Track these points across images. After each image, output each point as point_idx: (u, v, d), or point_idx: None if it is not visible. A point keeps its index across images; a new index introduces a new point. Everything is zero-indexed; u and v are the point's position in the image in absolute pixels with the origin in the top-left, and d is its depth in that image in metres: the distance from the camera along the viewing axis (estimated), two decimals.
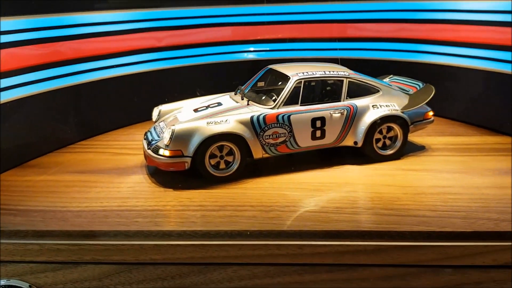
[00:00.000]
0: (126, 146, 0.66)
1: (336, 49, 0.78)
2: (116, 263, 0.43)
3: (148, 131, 0.57)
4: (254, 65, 0.76)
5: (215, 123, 0.52)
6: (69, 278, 0.43)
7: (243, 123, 0.52)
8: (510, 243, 0.40)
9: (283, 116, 0.53)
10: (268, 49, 0.79)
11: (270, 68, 0.61)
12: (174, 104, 0.61)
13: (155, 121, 0.60)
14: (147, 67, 0.76)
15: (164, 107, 0.60)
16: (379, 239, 0.41)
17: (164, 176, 0.54)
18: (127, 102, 0.75)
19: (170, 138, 0.51)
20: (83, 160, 0.61)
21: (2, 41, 0.57)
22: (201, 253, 0.42)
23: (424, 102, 0.59)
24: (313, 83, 0.57)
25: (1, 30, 0.57)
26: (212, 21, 0.78)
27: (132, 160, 0.61)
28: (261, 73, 0.62)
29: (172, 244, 0.42)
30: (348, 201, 0.48)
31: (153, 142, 0.54)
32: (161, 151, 0.51)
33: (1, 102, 0.56)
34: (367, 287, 0.42)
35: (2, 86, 0.57)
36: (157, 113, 0.60)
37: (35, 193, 0.52)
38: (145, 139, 0.56)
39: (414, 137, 0.64)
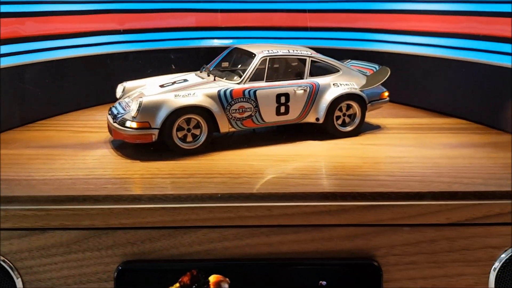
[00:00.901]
0: (87, 125, 0.66)
1: (297, 38, 0.81)
2: (84, 228, 0.43)
3: (113, 106, 0.57)
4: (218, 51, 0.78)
5: (183, 96, 0.52)
6: (35, 245, 0.43)
7: (210, 96, 0.53)
8: (462, 202, 0.44)
9: (249, 91, 0.55)
10: (229, 36, 0.81)
11: (236, 47, 0.62)
12: (139, 81, 0.61)
13: (119, 98, 0.60)
14: (108, 49, 0.75)
15: (128, 84, 0.61)
16: (342, 200, 0.44)
17: (131, 149, 0.55)
18: (87, 83, 0.74)
19: (137, 110, 0.51)
20: (44, 136, 0.61)
21: None
22: (172, 217, 0.43)
23: (380, 82, 0.63)
24: (277, 62, 0.59)
25: None
26: (176, 7, 0.78)
27: (94, 137, 0.60)
28: (225, 52, 0.63)
29: (142, 208, 0.43)
30: (312, 169, 0.50)
31: (119, 115, 0.54)
32: (128, 123, 0.52)
33: None
34: (331, 246, 0.44)
35: None
36: (122, 90, 0.60)
37: (12, 161, 0.51)
38: (109, 114, 0.56)
39: (371, 119, 0.68)
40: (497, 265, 0.45)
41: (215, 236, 0.43)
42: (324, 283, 0.44)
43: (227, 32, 0.81)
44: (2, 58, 0.61)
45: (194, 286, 0.42)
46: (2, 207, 0.42)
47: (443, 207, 0.44)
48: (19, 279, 0.44)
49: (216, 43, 0.81)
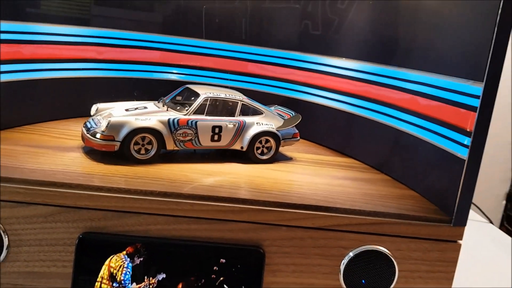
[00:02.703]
0: (64, 133, 0.83)
1: (234, 80, 1.02)
2: (58, 205, 0.60)
3: (87, 121, 0.75)
4: (173, 84, 0.97)
5: (141, 119, 0.71)
6: (21, 215, 0.60)
7: (162, 122, 0.72)
8: (323, 213, 0.63)
9: (192, 122, 0.74)
10: (186, 73, 1.01)
11: (187, 87, 0.82)
12: (109, 104, 0.79)
13: (93, 115, 0.78)
14: (85, 73, 0.94)
15: (100, 105, 0.79)
16: (242, 204, 0.62)
17: (97, 155, 0.72)
18: (65, 100, 0.92)
19: (106, 126, 0.69)
20: (30, 138, 0.77)
21: None
22: (122, 204, 0.61)
23: (293, 125, 0.83)
24: (216, 101, 0.79)
25: None
26: (144, 45, 0.98)
27: (69, 143, 0.77)
28: (179, 89, 0.83)
29: (101, 195, 0.60)
30: (229, 182, 0.69)
31: (92, 128, 0.72)
32: (98, 135, 0.70)
33: None
34: (231, 235, 0.63)
35: None
36: (95, 109, 0.78)
37: (2, 154, 0.67)
38: (84, 127, 0.74)
39: (288, 152, 0.88)
40: (345, 260, 0.65)
41: (151, 220, 0.61)
42: (223, 260, 0.62)
43: (182, 69, 1.01)
44: (7, 74, 0.79)
45: (136, 256, 0.60)
46: (2, 184, 0.59)
47: (311, 216, 0.63)
48: (6, 238, 0.60)
49: (172, 76, 1.01)
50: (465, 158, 0.63)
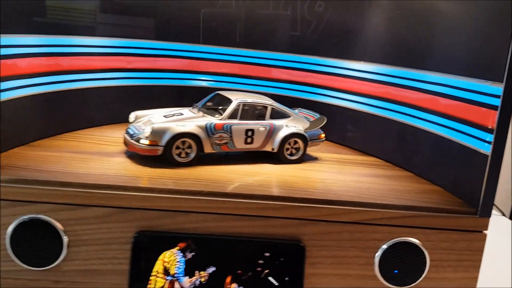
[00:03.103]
0: (102, 139, 0.87)
1: (259, 85, 1.07)
2: (114, 207, 0.64)
3: (129, 128, 0.80)
4: (201, 90, 1.02)
5: (182, 125, 0.76)
6: (80, 216, 0.64)
7: (200, 127, 0.77)
8: (358, 208, 0.68)
9: (227, 126, 0.79)
10: (214, 79, 1.06)
11: (218, 93, 0.87)
12: (146, 111, 0.84)
13: (131, 122, 0.82)
14: (118, 82, 0.98)
15: (139, 113, 0.83)
16: (283, 201, 0.67)
17: (140, 159, 0.77)
18: (98, 108, 0.96)
19: (150, 132, 0.74)
20: (72, 145, 0.82)
21: (20, 52, 0.77)
22: (172, 203, 0.65)
23: (319, 127, 0.88)
24: (247, 106, 0.83)
25: (20, 44, 0.77)
26: (173, 54, 1.03)
27: (110, 148, 0.82)
28: (210, 96, 0.87)
29: (153, 196, 0.65)
30: (267, 181, 0.74)
31: (135, 135, 0.76)
32: (142, 141, 0.74)
33: (15, 97, 0.76)
34: (274, 231, 0.67)
35: (18, 85, 0.76)
36: (134, 116, 0.83)
37: (49, 162, 0.71)
38: (126, 133, 0.79)
39: (313, 152, 0.92)
40: (380, 251, 0.70)
41: (200, 218, 0.66)
42: (267, 254, 0.67)
43: (210, 75, 1.06)
44: (46, 86, 0.83)
45: (187, 251, 0.65)
46: (60, 188, 0.63)
47: (347, 211, 0.68)
48: (66, 238, 0.65)
49: (202, 83, 1.06)
50: (488, 154, 0.67)
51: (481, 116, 0.70)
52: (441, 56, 0.81)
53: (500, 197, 1.60)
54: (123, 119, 0.87)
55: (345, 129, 1.01)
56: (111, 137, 0.88)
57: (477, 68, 0.72)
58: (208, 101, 0.87)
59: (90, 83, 0.93)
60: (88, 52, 0.92)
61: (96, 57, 0.93)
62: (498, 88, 0.67)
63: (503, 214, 1.23)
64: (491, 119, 0.68)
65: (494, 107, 0.67)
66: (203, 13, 1.02)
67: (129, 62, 0.99)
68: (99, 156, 0.76)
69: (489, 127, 0.68)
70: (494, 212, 1.25)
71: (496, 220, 1.16)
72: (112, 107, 0.97)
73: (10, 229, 0.63)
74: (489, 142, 0.68)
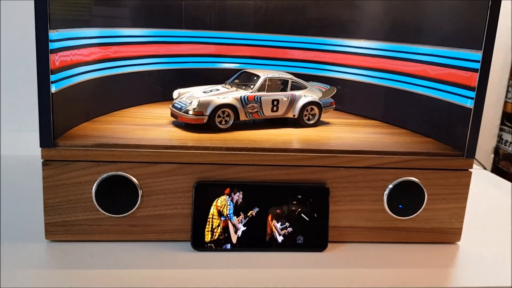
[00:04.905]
0: (150, 115, 1.03)
1: (277, 65, 1.23)
2: (178, 163, 0.80)
3: (175, 103, 0.96)
4: (229, 72, 1.18)
5: (222, 98, 0.92)
6: (151, 171, 0.79)
7: (236, 99, 0.93)
8: (370, 156, 0.85)
9: (257, 97, 0.95)
10: (238, 62, 1.23)
11: (245, 71, 1.03)
12: (187, 89, 1.00)
13: (176, 98, 0.98)
14: (156, 67, 1.14)
15: (181, 90, 0.99)
16: (309, 152, 0.84)
17: (188, 127, 0.93)
18: (139, 89, 1.12)
19: (197, 104, 0.90)
20: (128, 120, 0.97)
21: (81, 43, 0.92)
22: (223, 158, 0.81)
23: (330, 96, 1.05)
24: (272, 80, 1.00)
25: (80, 36, 0.92)
26: (202, 40, 1.19)
27: (160, 121, 0.97)
28: (237, 74, 1.04)
29: (208, 153, 0.81)
30: (293, 139, 0.90)
31: (183, 107, 0.93)
32: (190, 112, 0.91)
33: (79, 82, 0.91)
34: (303, 177, 0.84)
35: (83, 70, 0.92)
36: (177, 93, 0.99)
37: (117, 132, 0.86)
38: (173, 107, 0.95)
39: (324, 118, 1.09)
40: (387, 190, 0.87)
41: (245, 169, 0.82)
42: (300, 196, 0.84)
43: (233, 59, 1.23)
44: (100, 71, 0.99)
45: (235, 196, 0.82)
46: (135, 150, 0.79)
47: (361, 158, 0.85)
48: (140, 190, 0.81)
49: (228, 66, 1.22)
50: (471, 107, 0.85)
51: (464, 78, 0.88)
52: (430, 31, 0.98)
53: (482, 155, 1.79)
54: (159, 99, 1.04)
55: (350, 98, 1.18)
56: (155, 112, 1.04)
57: (460, 39, 0.89)
58: (235, 78, 1.03)
59: (131, 68, 1.08)
60: (130, 41, 1.07)
61: (135, 46, 1.09)
62: (478, 54, 0.84)
63: (485, 168, 1.42)
64: (473, 80, 0.85)
65: (475, 70, 0.84)
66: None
67: (163, 50, 1.15)
68: (156, 127, 0.92)
69: (472, 86, 0.85)
70: (477, 167, 1.44)
71: (479, 173, 1.35)
72: (150, 88, 1.13)
73: (95, 184, 0.79)
74: (472, 98, 0.85)
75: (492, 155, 1.88)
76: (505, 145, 1.85)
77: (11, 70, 1.45)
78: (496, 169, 1.89)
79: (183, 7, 1.15)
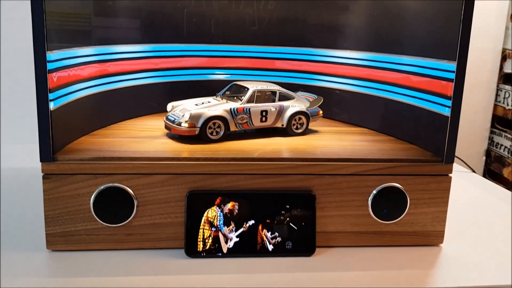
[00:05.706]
0: (144, 128, 1.07)
1: (264, 76, 1.28)
2: (171, 174, 0.85)
3: (168, 115, 1.00)
4: (219, 83, 1.23)
5: (212, 110, 0.97)
6: (145, 182, 0.84)
7: (226, 111, 0.98)
8: (353, 163, 0.90)
9: (246, 108, 1.00)
10: (228, 73, 1.27)
11: (235, 83, 1.08)
12: (179, 102, 1.05)
13: (169, 111, 1.03)
14: (150, 80, 1.19)
15: (174, 103, 1.04)
16: (296, 161, 0.88)
17: (180, 139, 0.97)
18: (136, 102, 1.17)
19: (189, 117, 0.95)
20: (124, 132, 1.02)
21: (77, 61, 0.97)
22: (214, 168, 0.86)
23: (317, 105, 1.09)
24: (260, 92, 1.04)
25: (77, 55, 0.97)
26: (192, 54, 1.24)
27: (154, 134, 1.02)
28: (228, 86, 1.08)
29: (200, 163, 0.85)
30: (281, 148, 0.95)
31: (175, 120, 0.97)
32: (183, 124, 0.95)
33: (77, 98, 0.96)
34: (290, 184, 0.88)
35: (78, 88, 0.96)
36: (171, 106, 1.03)
37: (113, 145, 0.90)
38: (167, 120, 0.99)
39: (313, 127, 1.13)
40: (371, 196, 0.91)
41: (235, 178, 0.86)
42: (288, 206, 0.88)
43: (225, 70, 1.28)
44: (97, 87, 1.03)
45: (224, 206, 0.86)
46: (130, 162, 0.84)
47: (346, 165, 0.89)
48: (136, 200, 0.85)
49: (218, 77, 1.27)
50: (448, 115, 0.89)
51: (442, 87, 0.92)
52: (411, 43, 1.03)
53: (474, 158, 1.83)
54: (155, 111, 1.08)
55: (337, 107, 1.22)
56: (150, 125, 1.08)
57: (437, 49, 0.94)
58: (226, 90, 1.08)
59: (126, 83, 1.13)
60: (125, 57, 1.12)
61: (130, 61, 1.13)
62: (452, 65, 0.88)
63: (473, 171, 1.47)
64: (449, 89, 0.89)
65: (451, 80, 0.89)
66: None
67: (156, 64, 1.20)
68: (149, 139, 0.97)
69: (448, 95, 0.90)
70: (466, 170, 1.48)
71: (467, 176, 1.39)
72: (145, 101, 1.17)
73: (93, 196, 0.84)
74: (448, 107, 0.89)
75: (484, 158, 1.93)
76: (497, 148, 1.89)
77: (11, 82, 1.50)
78: (489, 171, 1.93)
79: (183, 19, 1.20)
